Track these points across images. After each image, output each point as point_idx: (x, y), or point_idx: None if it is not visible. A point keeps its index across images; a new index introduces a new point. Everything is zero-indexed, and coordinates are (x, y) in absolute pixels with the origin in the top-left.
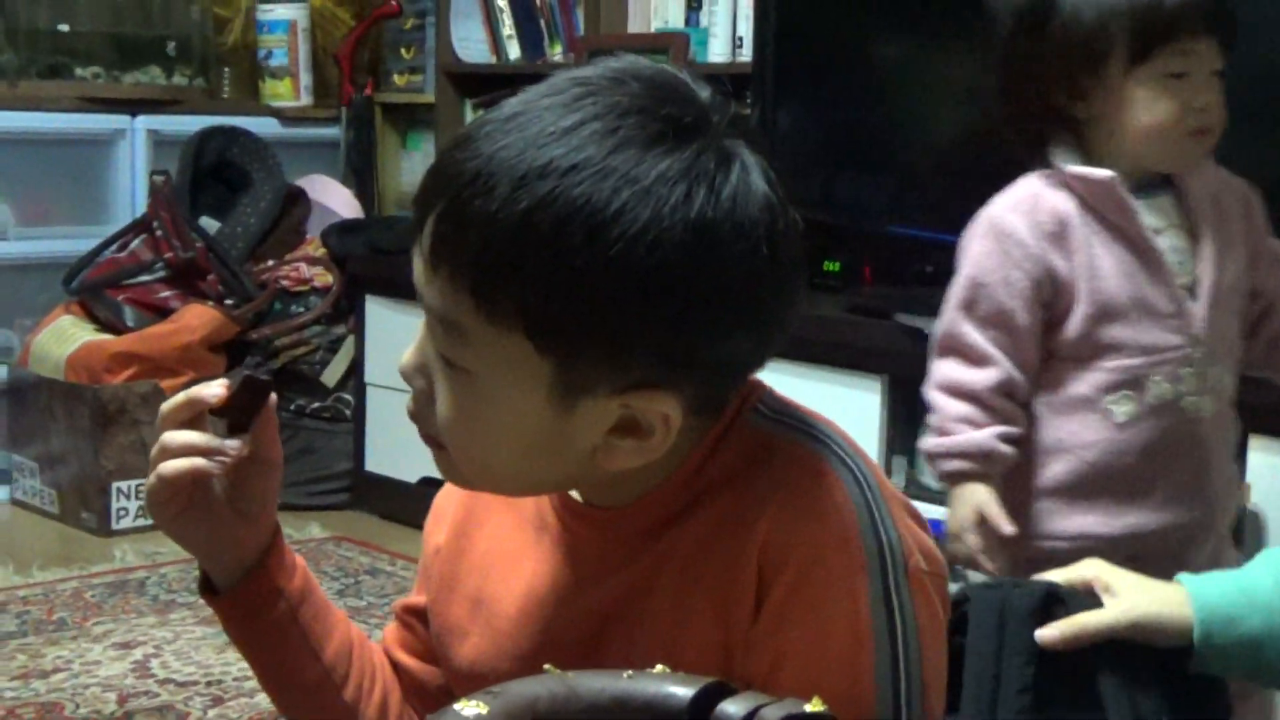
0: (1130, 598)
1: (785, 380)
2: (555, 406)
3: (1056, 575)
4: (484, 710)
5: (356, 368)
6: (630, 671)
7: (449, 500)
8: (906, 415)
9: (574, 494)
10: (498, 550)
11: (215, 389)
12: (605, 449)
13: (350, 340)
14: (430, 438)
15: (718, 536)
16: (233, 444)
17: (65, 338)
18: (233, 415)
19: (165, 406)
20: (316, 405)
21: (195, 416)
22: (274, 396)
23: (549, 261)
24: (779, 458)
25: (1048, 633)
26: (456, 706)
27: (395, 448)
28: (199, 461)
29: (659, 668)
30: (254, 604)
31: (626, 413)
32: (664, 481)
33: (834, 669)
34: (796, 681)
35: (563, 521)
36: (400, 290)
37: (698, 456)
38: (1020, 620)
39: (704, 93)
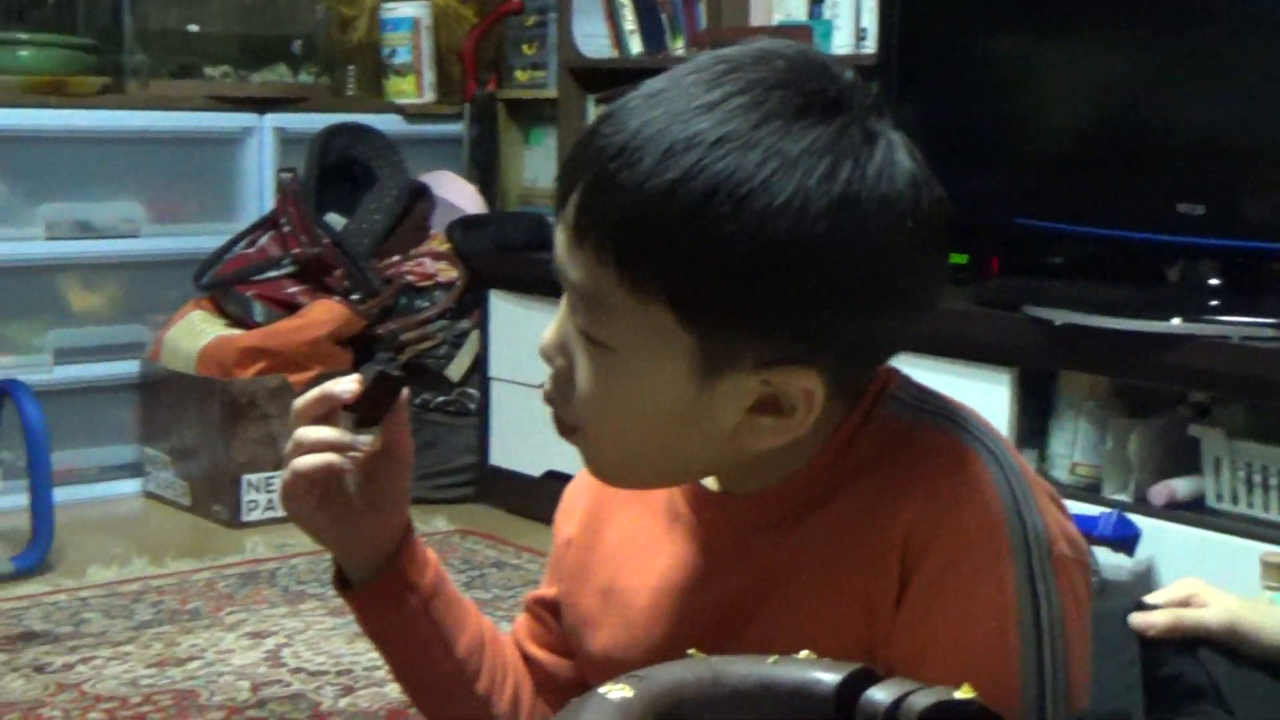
0: (1229, 604)
1: (914, 374)
2: (697, 381)
3: (1155, 595)
4: (629, 693)
5: (481, 362)
6: (775, 657)
7: (579, 493)
8: (1036, 408)
9: (707, 483)
10: (630, 541)
11: (348, 385)
12: (747, 428)
13: (475, 335)
14: (564, 423)
15: (858, 524)
16: (364, 439)
17: (196, 333)
18: (364, 410)
19: (299, 402)
20: (441, 399)
21: (328, 412)
22: (405, 392)
23: (694, 232)
24: (920, 444)
25: (1144, 618)
26: (602, 690)
27: (520, 442)
28: (332, 457)
29: (804, 653)
30: (387, 598)
31: (768, 390)
32: (802, 468)
33: (979, 656)
34: (941, 669)
35: (695, 510)
36: (524, 285)
37: (837, 443)
38: (1114, 623)
39: (846, 73)
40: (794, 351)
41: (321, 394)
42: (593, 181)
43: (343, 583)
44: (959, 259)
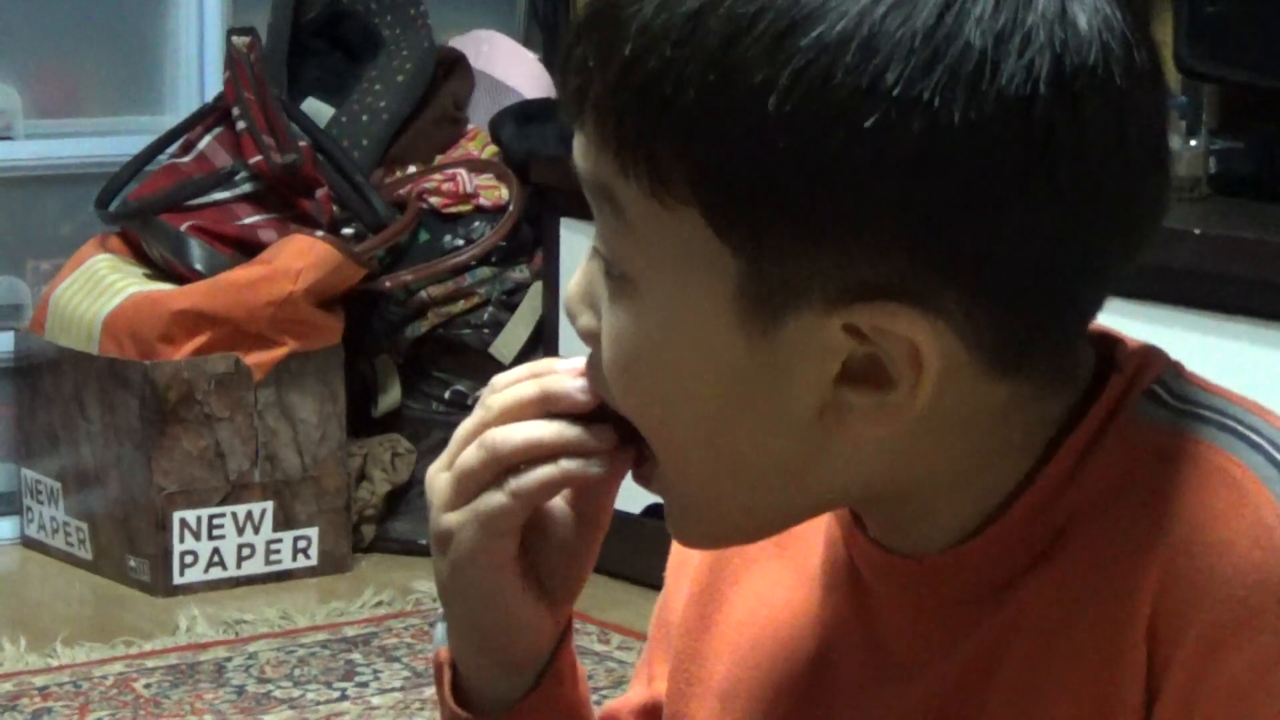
0: None
1: (1209, 346)
2: (748, 327)
3: None
4: None
5: (545, 331)
6: None
7: None
8: None
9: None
10: (762, 618)
11: (581, 381)
12: (835, 408)
13: (535, 289)
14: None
15: (1084, 597)
16: (603, 434)
17: (100, 288)
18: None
19: (509, 395)
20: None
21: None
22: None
23: (716, 86)
24: (1177, 468)
25: None
26: None
27: None
28: (577, 466)
29: None
30: None
31: (860, 348)
32: (1004, 511)
33: None
34: None
35: (861, 579)
36: None
37: (1057, 471)
38: None
39: None
40: (888, 280)
41: (545, 391)
42: (590, 24)
43: (463, 698)
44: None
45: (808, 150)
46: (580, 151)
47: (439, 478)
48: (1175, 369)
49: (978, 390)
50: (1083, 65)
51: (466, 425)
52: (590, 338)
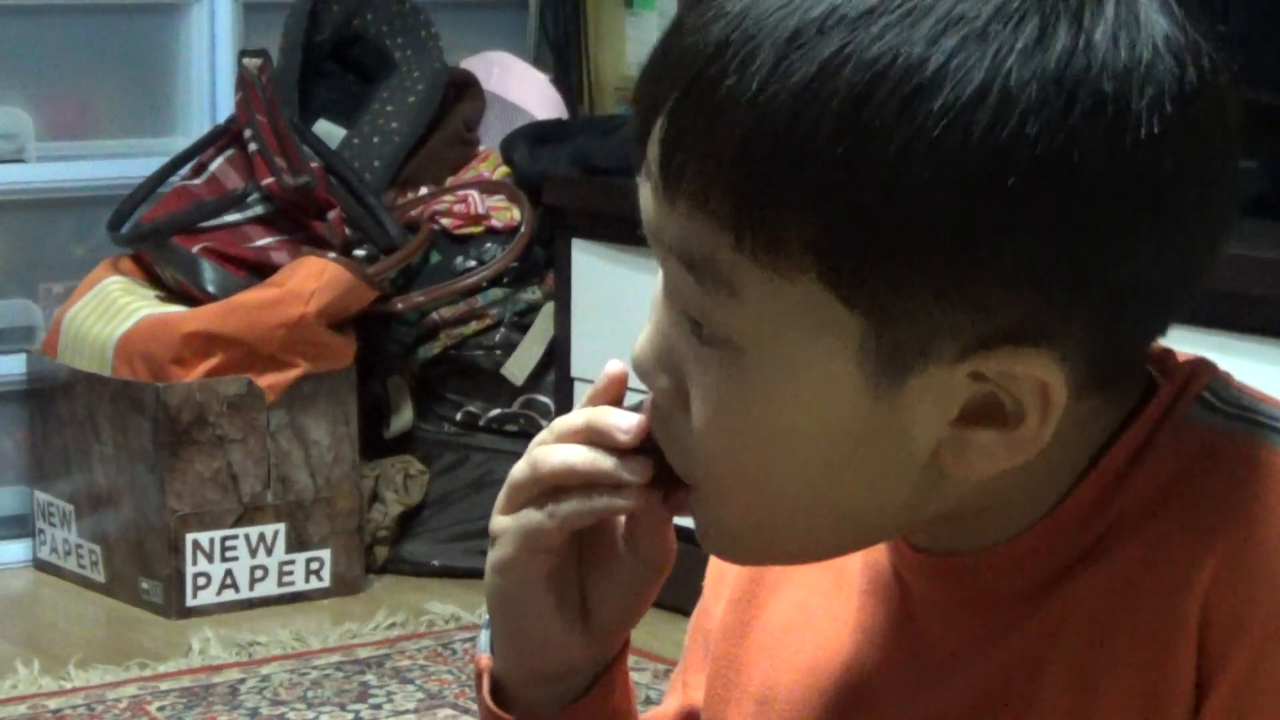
0: None
1: (1226, 365)
2: (874, 387)
3: None
4: None
5: (557, 353)
6: None
7: None
8: None
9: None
10: (801, 623)
11: (632, 421)
12: (953, 448)
13: (547, 310)
14: (673, 478)
15: (1134, 596)
16: (635, 469)
17: (113, 311)
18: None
19: (563, 421)
20: (498, 413)
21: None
22: None
23: (845, 155)
24: (1230, 468)
25: None
26: None
27: None
28: (607, 500)
29: None
30: None
31: (980, 388)
32: (1054, 511)
33: None
34: None
35: (902, 580)
36: (627, 231)
37: (1107, 470)
38: None
39: None
40: (1015, 324)
41: (595, 427)
42: (684, 99)
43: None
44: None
45: (945, 213)
46: (671, 224)
47: (508, 481)
48: (1225, 378)
49: (1073, 408)
50: (1193, 93)
51: (538, 438)
52: (667, 398)
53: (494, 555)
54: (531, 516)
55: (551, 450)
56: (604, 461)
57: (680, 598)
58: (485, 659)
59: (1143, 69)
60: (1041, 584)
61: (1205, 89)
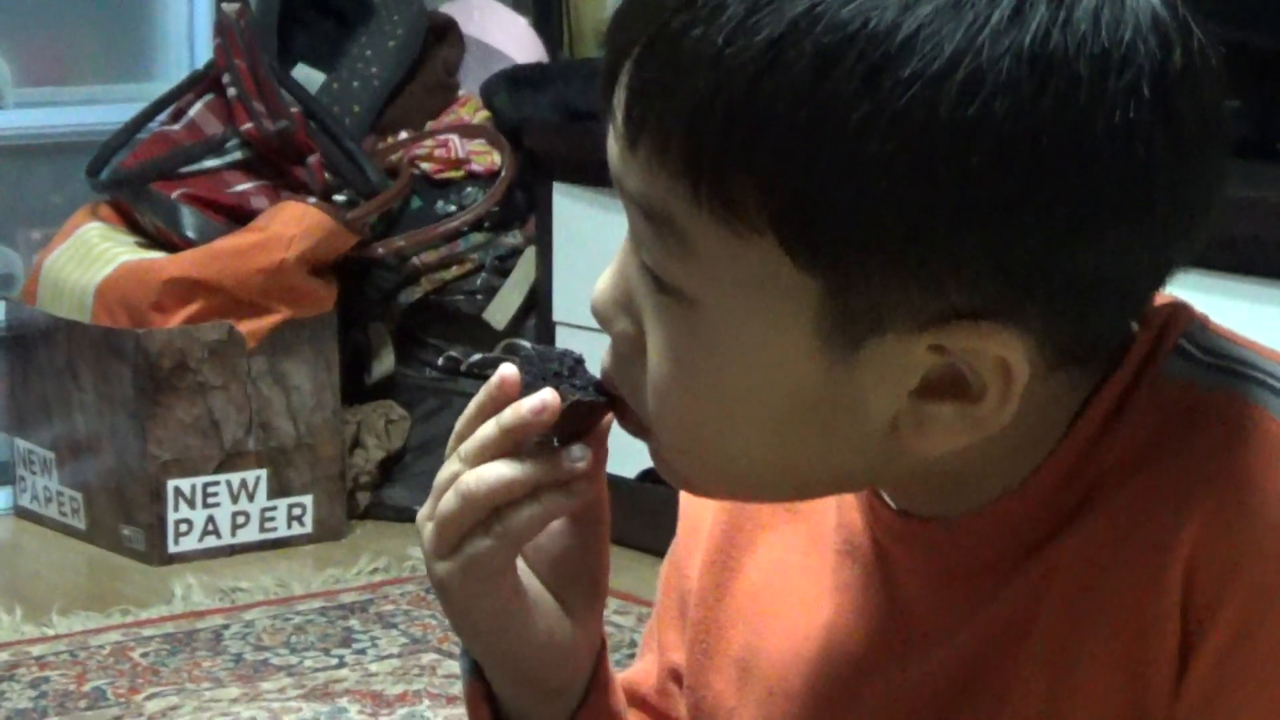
0: None
1: (1206, 304)
2: (828, 352)
3: None
4: None
5: (538, 298)
6: None
7: (701, 505)
8: None
9: (887, 498)
10: (778, 585)
11: (545, 402)
12: (911, 420)
13: (529, 255)
14: (634, 419)
15: (1116, 558)
16: (575, 456)
17: (92, 257)
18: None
19: (474, 442)
20: (480, 358)
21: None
22: (609, 419)
23: (808, 121)
24: (1212, 424)
25: None
26: None
27: None
28: (557, 501)
29: None
30: None
31: (940, 360)
32: (1033, 474)
33: None
34: None
35: (877, 542)
36: (607, 175)
37: (1086, 431)
38: None
39: None
40: (979, 299)
41: (512, 427)
42: (650, 47)
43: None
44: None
45: (907, 187)
46: (631, 172)
47: (426, 526)
48: (1202, 322)
49: (1039, 385)
50: (1176, 78)
51: (443, 473)
52: (626, 342)
53: (454, 604)
54: (479, 545)
55: (478, 474)
56: (540, 469)
57: (662, 542)
58: (477, 686)
59: (1122, 50)
60: (1022, 550)
61: (1189, 73)
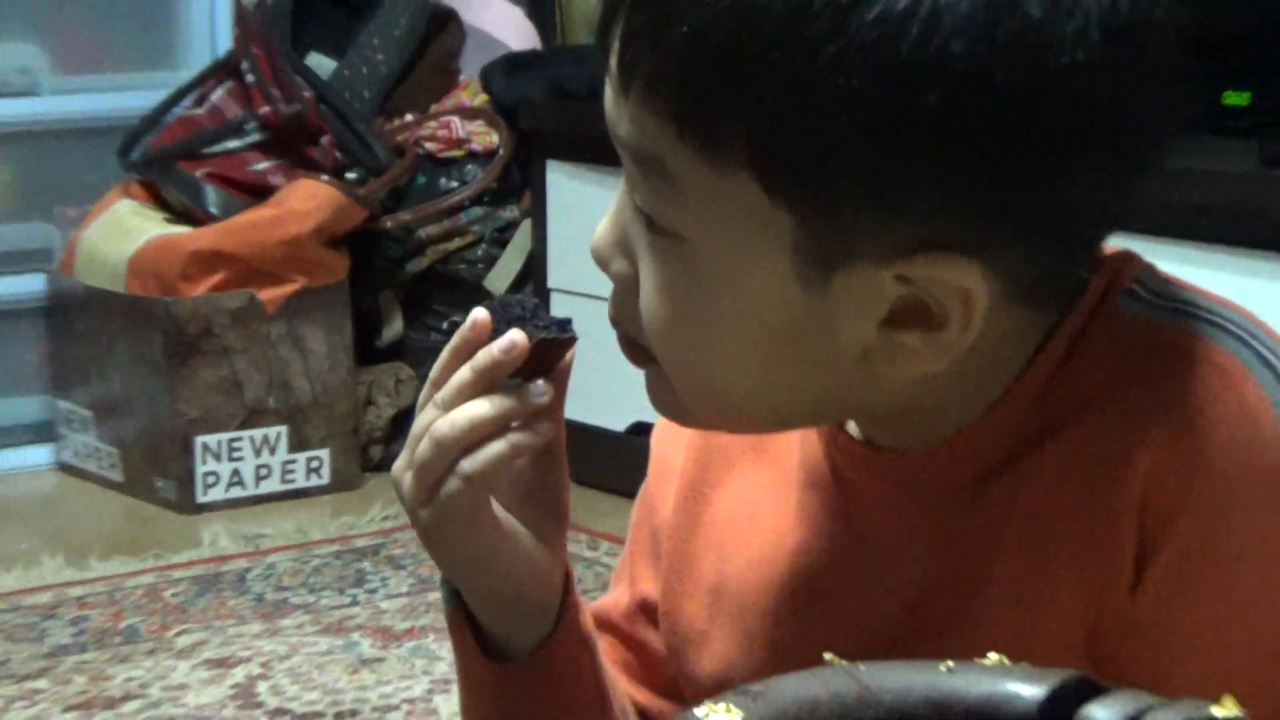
0: None
1: (1166, 267)
2: (802, 281)
3: None
4: (738, 716)
5: (534, 266)
6: (950, 663)
7: (673, 446)
8: None
9: (853, 431)
10: (748, 515)
11: (514, 341)
12: (881, 348)
13: (525, 227)
14: (634, 346)
15: (1077, 479)
16: (538, 391)
17: (124, 232)
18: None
19: (450, 387)
20: None
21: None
22: (571, 354)
23: (782, 60)
24: (1164, 356)
25: None
26: (699, 711)
27: (593, 382)
28: (522, 438)
29: (992, 657)
30: (567, 662)
31: (907, 291)
32: (995, 406)
33: (1254, 656)
34: (1198, 674)
35: (840, 474)
36: (596, 152)
37: (1044, 365)
38: None
39: None
40: (941, 233)
41: (486, 369)
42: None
43: (490, 650)
44: (1236, 99)
45: (872, 123)
46: (624, 118)
47: (405, 477)
48: (1150, 269)
49: (1001, 318)
50: (1124, 23)
51: (419, 422)
52: (623, 281)
53: (439, 543)
54: (451, 488)
55: (450, 419)
56: (508, 402)
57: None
58: (459, 614)
59: None
60: (984, 475)
61: (1138, 21)
